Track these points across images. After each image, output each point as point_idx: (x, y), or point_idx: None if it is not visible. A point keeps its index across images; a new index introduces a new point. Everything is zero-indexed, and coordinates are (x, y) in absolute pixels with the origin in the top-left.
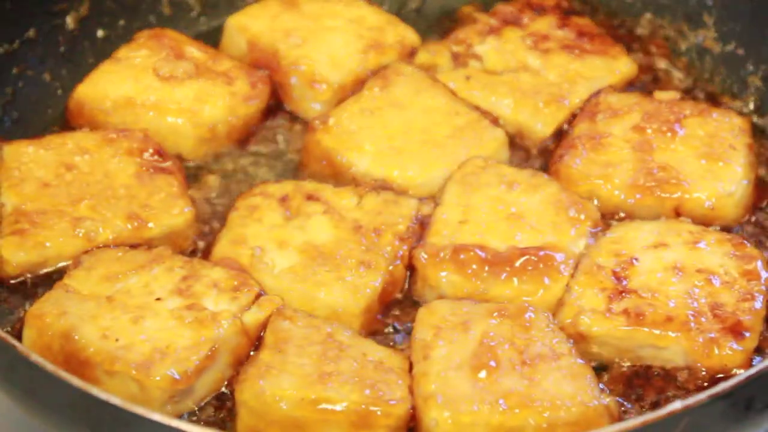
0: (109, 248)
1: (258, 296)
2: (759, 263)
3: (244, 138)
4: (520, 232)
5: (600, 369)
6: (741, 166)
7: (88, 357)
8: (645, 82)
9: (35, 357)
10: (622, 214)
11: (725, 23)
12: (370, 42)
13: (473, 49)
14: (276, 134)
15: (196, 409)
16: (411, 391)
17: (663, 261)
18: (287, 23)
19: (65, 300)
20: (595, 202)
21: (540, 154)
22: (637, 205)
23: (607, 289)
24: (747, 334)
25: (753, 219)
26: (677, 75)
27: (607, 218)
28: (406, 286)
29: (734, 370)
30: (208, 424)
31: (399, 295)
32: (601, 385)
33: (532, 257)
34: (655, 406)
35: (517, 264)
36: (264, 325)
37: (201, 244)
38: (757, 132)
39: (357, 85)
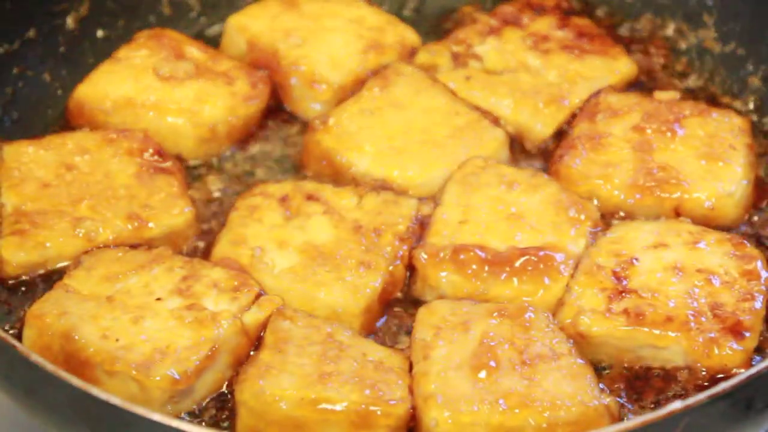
0: (109, 248)
1: (258, 296)
2: (759, 263)
3: (244, 138)
4: (520, 232)
5: (600, 369)
6: (741, 166)
7: (88, 357)
8: (645, 82)
9: (35, 357)
10: (622, 214)
11: (725, 23)
12: (370, 42)
13: (473, 50)
14: (276, 134)
15: (196, 409)
16: (411, 391)
17: (663, 261)
18: (287, 23)
19: (65, 300)
20: (595, 202)
21: (540, 154)
22: (637, 205)
23: (607, 289)
24: (747, 334)
25: (753, 219)
26: (677, 75)
27: (607, 218)
28: (406, 286)
29: (734, 370)
30: (208, 424)
31: (399, 295)
32: (601, 385)
33: (532, 257)
34: (655, 406)
35: (517, 264)
36: (264, 325)
37: (201, 244)
38: (757, 132)
39: (357, 86)
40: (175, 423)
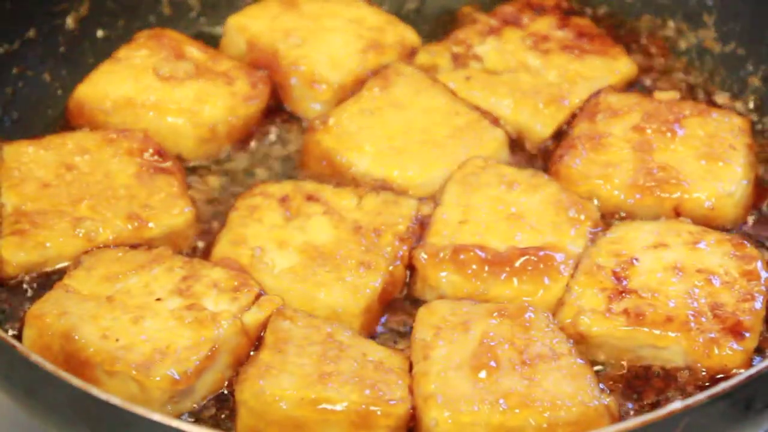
0: (109, 248)
1: (258, 296)
2: (759, 263)
3: (244, 138)
4: (520, 232)
5: (600, 369)
6: (741, 166)
7: (88, 357)
8: (645, 82)
9: (35, 357)
10: (622, 214)
11: (725, 23)
12: (370, 42)
13: (473, 50)
14: (276, 135)
15: (196, 409)
16: (411, 391)
17: (663, 261)
18: (287, 23)
19: (65, 300)
20: (595, 202)
21: (540, 154)
22: (637, 205)
23: (607, 289)
24: (747, 335)
25: (753, 219)
26: (677, 75)
27: (607, 218)
28: (406, 286)
29: (734, 370)
30: (208, 424)
31: (399, 295)
32: (601, 385)
33: (532, 257)
34: (655, 406)
35: (517, 264)
36: (264, 325)
37: (201, 244)
38: (757, 132)
39: (357, 86)
40: (175, 423)
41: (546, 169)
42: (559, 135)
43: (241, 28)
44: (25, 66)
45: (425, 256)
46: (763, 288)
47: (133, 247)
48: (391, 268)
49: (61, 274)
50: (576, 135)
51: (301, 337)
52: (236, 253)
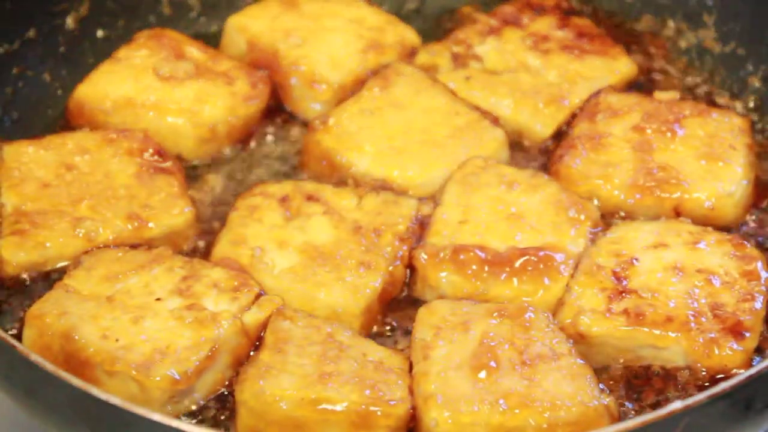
0: (109, 248)
1: (258, 296)
2: (759, 264)
3: (244, 138)
4: (520, 233)
5: (600, 369)
6: (741, 166)
7: (88, 357)
8: (645, 82)
9: (35, 357)
10: (622, 214)
11: (725, 23)
12: (370, 42)
13: (473, 50)
14: (276, 134)
15: (196, 409)
16: (411, 391)
17: (663, 261)
18: (287, 23)
19: (65, 300)
20: (595, 202)
21: (540, 154)
22: (637, 205)
23: (607, 289)
24: (747, 335)
25: (753, 219)
26: (677, 75)
27: (607, 218)
28: (406, 286)
29: (734, 370)
30: (208, 424)
31: (399, 295)
32: (601, 385)
33: (532, 257)
34: (655, 406)
35: (517, 264)
36: (264, 325)
37: (201, 244)
38: (757, 132)
39: (357, 86)
40: (175, 423)
41: (546, 169)
42: (559, 135)
43: (241, 28)
44: (25, 66)
45: (425, 256)
46: (763, 288)
47: (133, 247)
48: (391, 268)
49: (61, 274)
50: (576, 135)
51: (301, 337)
52: (236, 253)
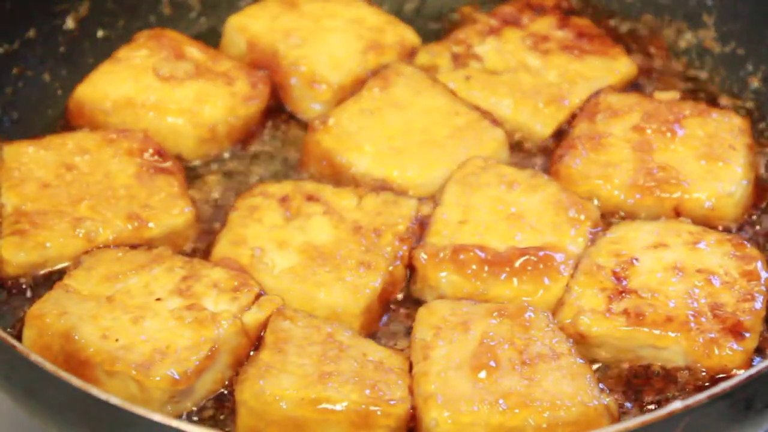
0: (109, 248)
1: (258, 296)
2: (759, 264)
3: (244, 138)
4: (520, 233)
5: (600, 369)
6: (741, 166)
7: (88, 357)
8: (645, 82)
9: (35, 357)
10: (622, 214)
11: (725, 23)
12: (370, 42)
13: (473, 50)
14: (276, 134)
15: (196, 409)
16: (411, 391)
17: (663, 261)
18: (287, 23)
19: (65, 300)
20: (595, 202)
21: (540, 154)
22: (637, 205)
23: (607, 289)
24: (747, 335)
25: (753, 219)
26: (677, 75)
27: (607, 218)
28: (406, 286)
29: (734, 371)
30: (208, 424)
31: (399, 295)
32: (601, 385)
33: (532, 257)
34: (655, 406)
35: (517, 264)
36: (264, 325)
37: (201, 244)
38: (756, 132)
39: (357, 86)
40: (175, 423)
41: (546, 169)
42: (559, 135)
43: (241, 28)
44: (25, 66)
45: (425, 256)
46: (763, 288)
47: (133, 247)
48: (391, 268)
49: (61, 274)
50: (576, 135)
51: (301, 337)
52: (236, 253)
